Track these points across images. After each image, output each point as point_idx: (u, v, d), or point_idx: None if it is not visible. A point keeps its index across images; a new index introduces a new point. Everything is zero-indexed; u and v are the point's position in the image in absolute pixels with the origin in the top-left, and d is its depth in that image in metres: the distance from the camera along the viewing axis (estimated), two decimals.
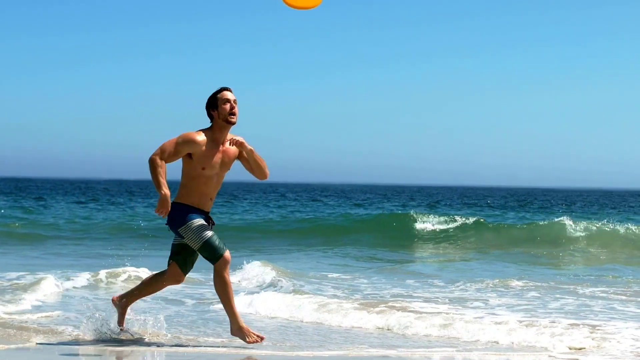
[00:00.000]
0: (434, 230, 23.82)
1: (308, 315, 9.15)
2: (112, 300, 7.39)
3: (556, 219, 23.54)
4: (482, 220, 24.82)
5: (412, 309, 9.30)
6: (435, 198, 67.12)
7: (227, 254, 6.94)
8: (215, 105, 6.95)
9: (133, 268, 12.31)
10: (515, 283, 12.24)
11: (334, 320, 8.91)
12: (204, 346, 7.29)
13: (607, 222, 23.22)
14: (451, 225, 23.96)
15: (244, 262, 13.55)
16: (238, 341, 7.19)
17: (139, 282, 7.64)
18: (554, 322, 8.37)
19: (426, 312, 9.03)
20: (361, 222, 26.72)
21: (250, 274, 12.84)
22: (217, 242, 6.91)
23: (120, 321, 7.34)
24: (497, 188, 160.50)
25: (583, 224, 22.73)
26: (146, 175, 7.06)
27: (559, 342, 7.57)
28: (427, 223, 24.44)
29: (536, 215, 33.26)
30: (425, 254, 19.95)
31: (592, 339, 7.62)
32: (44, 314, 8.90)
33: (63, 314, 8.96)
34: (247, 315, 9.13)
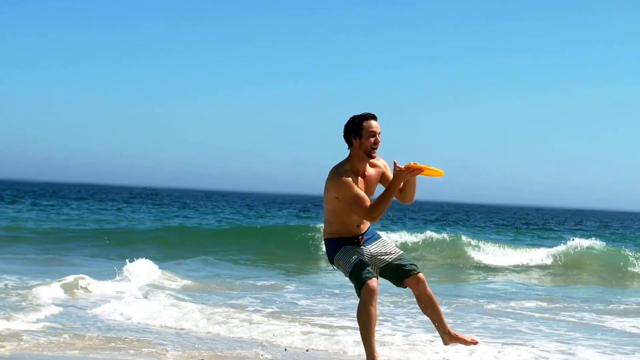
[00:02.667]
0: None
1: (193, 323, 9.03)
2: (445, 343, 6.85)
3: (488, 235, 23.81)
4: (405, 231, 25.05)
5: (316, 323, 9.14)
6: None
7: (371, 282, 6.43)
8: (359, 134, 6.46)
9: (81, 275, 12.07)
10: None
11: (222, 330, 8.83)
12: None
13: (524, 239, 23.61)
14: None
15: (129, 264, 13.14)
16: None
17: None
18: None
19: (334, 326, 8.90)
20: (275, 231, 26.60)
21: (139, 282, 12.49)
22: (360, 269, 6.48)
23: (464, 340, 6.87)
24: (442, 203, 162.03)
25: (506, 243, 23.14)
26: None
27: None
28: None
29: (464, 230, 33.31)
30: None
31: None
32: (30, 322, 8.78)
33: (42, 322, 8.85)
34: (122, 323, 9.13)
